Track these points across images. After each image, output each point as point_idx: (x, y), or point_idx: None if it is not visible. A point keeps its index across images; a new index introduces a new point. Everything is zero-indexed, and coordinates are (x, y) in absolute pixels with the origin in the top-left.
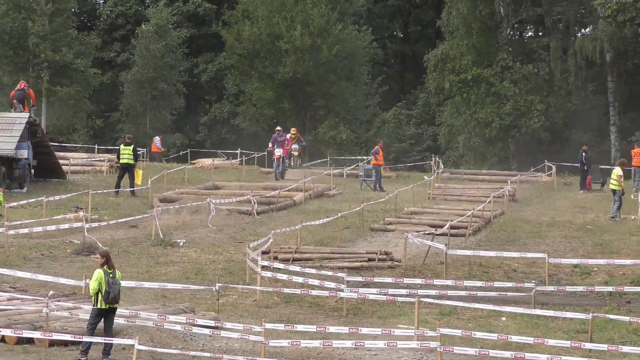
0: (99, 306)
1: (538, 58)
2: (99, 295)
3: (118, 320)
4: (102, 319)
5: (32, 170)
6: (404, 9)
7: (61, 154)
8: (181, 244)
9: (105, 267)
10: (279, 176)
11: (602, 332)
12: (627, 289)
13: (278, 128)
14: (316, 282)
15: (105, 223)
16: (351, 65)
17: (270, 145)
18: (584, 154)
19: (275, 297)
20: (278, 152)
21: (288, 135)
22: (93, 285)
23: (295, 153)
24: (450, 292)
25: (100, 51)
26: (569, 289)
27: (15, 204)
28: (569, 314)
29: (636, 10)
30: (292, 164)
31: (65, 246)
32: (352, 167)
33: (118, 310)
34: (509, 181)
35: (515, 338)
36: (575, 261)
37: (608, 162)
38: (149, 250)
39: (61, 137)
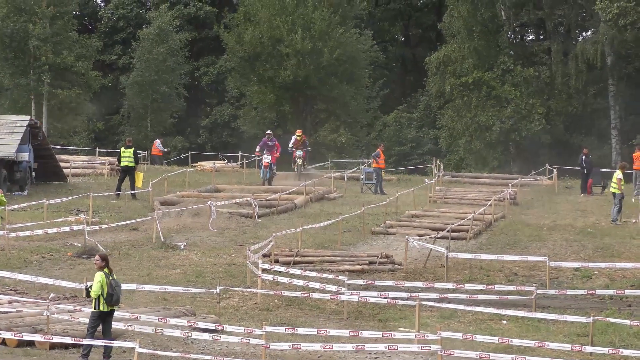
0: (100, 309)
1: (539, 61)
2: (101, 298)
3: (118, 324)
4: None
5: (33, 173)
6: (405, 12)
7: (62, 156)
8: (182, 246)
9: (105, 269)
10: (266, 182)
11: (603, 336)
12: (628, 292)
13: (268, 132)
14: (317, 285)
15: (106, 226)
16: (352, 68)
17: (257, 149)
18: (584, 157)
19: (276, 300)
20: (266, 158)
21: (293, 138)
22: (96, 287)
23: (299, 161)
24: (451, 296)
25: (101, 54)
26: (569, 292)
27: (16, 206)
28: (570, 318)
29: (637, 14)
30: (296, 169)
31: (66, 249)
32: (353, 170)
33: (119, 313)
34: (509, 184)
35: (516, 341)
36: (576, 264)
37: (609, 166)
38: (149, 253)
39: (62, 140)
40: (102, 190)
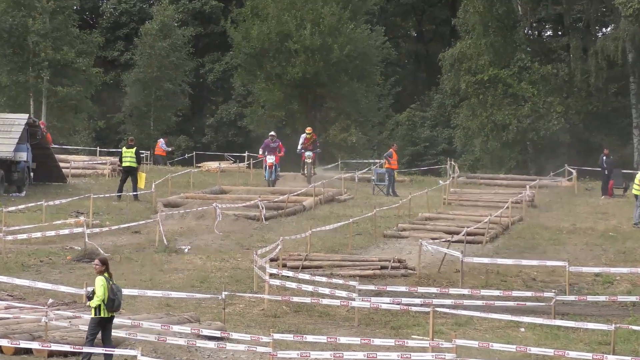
0: (101, 315)
1: (557, 58)
2: (101, 303)
3: (119, 332)
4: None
5: (32, 174)
6: (417, 7)
7: (62, 156)
8: (186, 250)
9: (105, 274)
10: (270, 184)
11: (626, 344)
12: None
13: (272, 133)
14: (326, 290)
15: (107, 229)
16: (363, 65)
17: (261, 152)
18: (605, 158)
19: (283, 306)
20: (270, 159)
21: (303, 136)
22: (100, 292)
23: (309, 160)
24: (466, 302)
25: (102, 50)
26: (590, 298)
27: (13, 208)
28: (591, 325)
29: None
30: (305, 172)
31: (65, 253)
32: (364, 171)
33: (120, 320)
34: (527, 186)
35: (534, 350)
36: (597, 269)
37: (631, 167)
38: (152, 257)
39: (62, 139)
40: (103, 192)
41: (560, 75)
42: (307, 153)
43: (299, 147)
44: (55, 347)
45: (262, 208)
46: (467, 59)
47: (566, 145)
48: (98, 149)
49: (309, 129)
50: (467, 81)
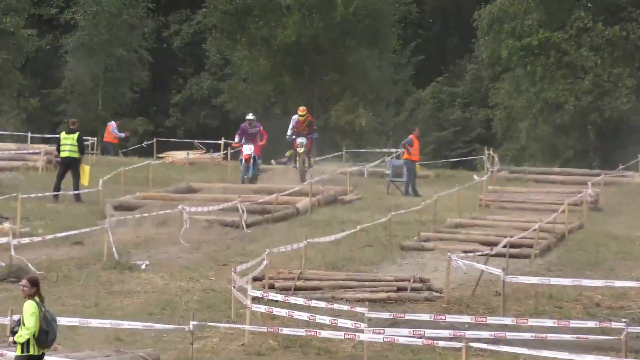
0: (30, 352)
1: (627, 17)
2: (31, 337)
3: None
4: None
5: None
6: None
7: None
8: (143, 267)
9: (36, 297)
10: (247, 182)
11: None
12: None
13: (249, 116)
14: (326, 319)
15: (39, 238)
16: (375, 26)
17: (236, 139)
18: None
19: (270, 340)
20: (247, 149)
21: (295, 117)
22: (32, 322)
23: (301, 149)
24: (509, 334)
25: (36, 7)
26: None
27: None
28: None
29: None
30: (297, 165)
31: None
32: (375, 163)
33: (55, 358)
34: (589, 183)
35: None
36: None
37: None
38: (98, 276)
39: None
40: (34, 190)
41: (630, 39)
42: (300, 140)
43: (289, 132)
44: None
45: (243, 212)
46: (510, 19)
47: (638, 130)
48: (29, 134)
49: (302, 109)
50: (510, 47)
